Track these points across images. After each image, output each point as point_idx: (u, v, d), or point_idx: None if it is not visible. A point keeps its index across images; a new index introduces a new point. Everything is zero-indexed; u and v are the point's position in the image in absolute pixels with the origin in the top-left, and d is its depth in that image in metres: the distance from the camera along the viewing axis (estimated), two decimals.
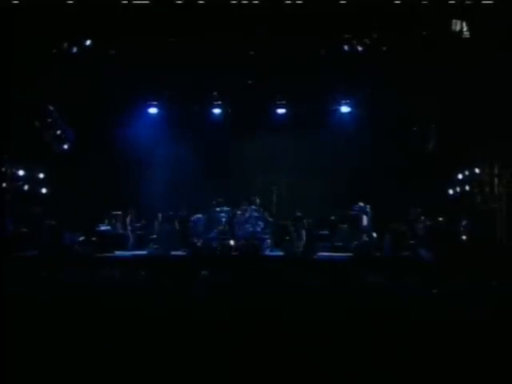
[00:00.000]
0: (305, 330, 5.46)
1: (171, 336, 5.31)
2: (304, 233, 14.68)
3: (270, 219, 15.41)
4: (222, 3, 12.02)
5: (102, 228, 15.08)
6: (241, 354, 4.87)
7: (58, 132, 15.05)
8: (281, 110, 15.81)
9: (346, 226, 15.17)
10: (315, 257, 13.78)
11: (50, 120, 14.92)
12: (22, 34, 12.30)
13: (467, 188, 14.83)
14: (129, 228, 15.55)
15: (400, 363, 4.75)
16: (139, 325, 5.68)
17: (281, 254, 14.13)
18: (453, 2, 11.71)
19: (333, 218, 15.45)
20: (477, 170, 14.58)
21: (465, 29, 12.87)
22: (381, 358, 4.81)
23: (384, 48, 13.44)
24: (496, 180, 14.15)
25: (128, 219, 15.58)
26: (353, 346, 5.06)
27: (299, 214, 14.96)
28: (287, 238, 14.47)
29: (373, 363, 4.73)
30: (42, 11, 11.98)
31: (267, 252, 14.40)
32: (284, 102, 15.70)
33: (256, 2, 11.92)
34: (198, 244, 14.40)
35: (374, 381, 4.48)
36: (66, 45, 13.42)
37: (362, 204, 15.16)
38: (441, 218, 14.47)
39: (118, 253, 14.36)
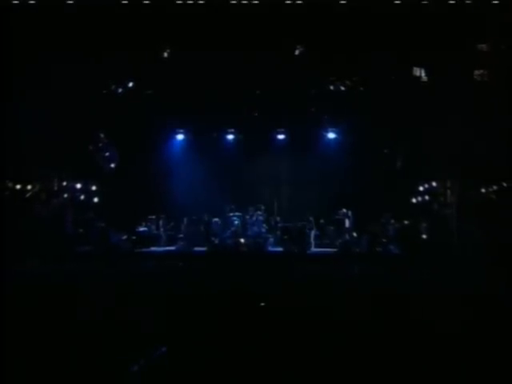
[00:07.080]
0: (296, 309, 6.18)
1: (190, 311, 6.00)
2: (311, 234, 15.86)
3: (279, 223, 16.76)
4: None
5: (140, 229, 16.50)
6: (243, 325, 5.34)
7: (107, 154, 16.39)
8: (281, 136, 17.43)
9: (332, 227, 16.50)
10: (308, 252, 15.54)
11: (100, 144, 16.32)
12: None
13: (426, 198, 15.89)
14: (161, 229, 16.90)
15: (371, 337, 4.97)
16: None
17: (281, 249, 15.54)
18: (453, 2, 12.07)
19: (322, 221, 16.72)
20: (434, 184, 15.74)
21: (423, 74, 15.05)
22: (360, 332, 5.05)
23: (362, 88, 15.31)
24: (448, 192, 15.40)
25: (160, 222, 16.93)
26: (337, 322, 5.57)
27: (311, 218, 16.07)
28: (285, 237, 15.85)
29: (352, 338, 4.91)
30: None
31: (270, 248, 15.92)
32: (283, 130, 17.34)
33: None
34: (216, 242, 15.93)
35: (361, 357, 4.51)
36: (113, 86, 15.54)
37: (344, 210, 16.55)
38: (406, 222, 15.79)
39: (152, 248, 16.13)
